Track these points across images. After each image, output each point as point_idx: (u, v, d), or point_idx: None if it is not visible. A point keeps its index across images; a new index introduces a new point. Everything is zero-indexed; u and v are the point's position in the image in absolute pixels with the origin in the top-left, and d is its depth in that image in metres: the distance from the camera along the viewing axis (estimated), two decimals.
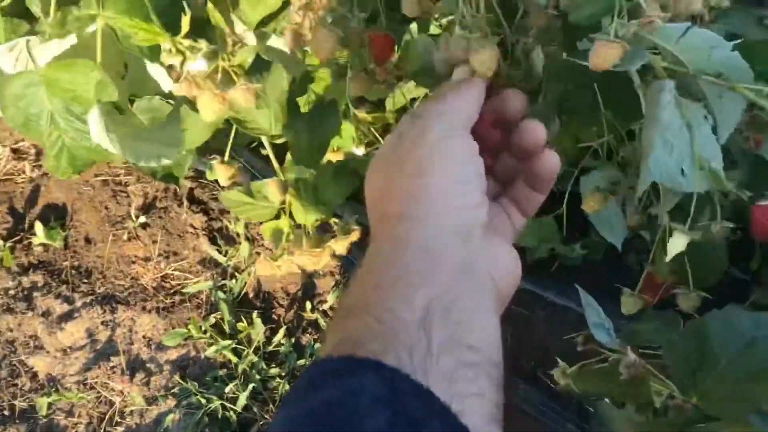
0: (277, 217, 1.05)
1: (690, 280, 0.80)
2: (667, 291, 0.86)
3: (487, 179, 0.47)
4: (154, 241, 1.79)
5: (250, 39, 0.83)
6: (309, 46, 0.72)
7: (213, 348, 1.59)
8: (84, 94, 0.80)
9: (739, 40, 0.56)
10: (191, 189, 1.85)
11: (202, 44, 0.76)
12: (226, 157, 0.97)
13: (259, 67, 0.83)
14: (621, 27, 0.53)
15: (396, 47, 0.75)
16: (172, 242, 1.79)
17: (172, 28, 0.76)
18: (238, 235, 1.75)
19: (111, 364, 1.62)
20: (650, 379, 0.68)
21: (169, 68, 0.84)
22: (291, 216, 1.04)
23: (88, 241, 1.81)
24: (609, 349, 0.74)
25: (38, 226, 1.79)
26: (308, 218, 1.02)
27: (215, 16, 0.80)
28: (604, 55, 0.51)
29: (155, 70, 0.90)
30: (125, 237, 1.80)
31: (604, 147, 0.97)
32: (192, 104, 0.85)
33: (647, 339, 0.84)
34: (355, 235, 1.03)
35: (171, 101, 0.93)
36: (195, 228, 1.79)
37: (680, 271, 0.81)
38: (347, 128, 1.03)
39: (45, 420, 1.54)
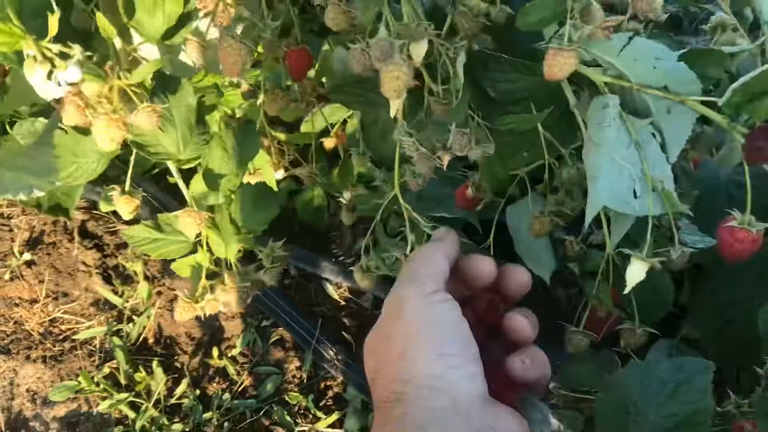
0: (193, 251, 0.93)
1: (636, 314, 0.76)
2: (611, 327, 0.82)
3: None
4: (41, 281, 1.66)
5: (149, 53, 0.71)
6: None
7: (107, 402, 1.46)
8: None
9: (684, 50, 0.54)
10: (83, 222, 1.75)
11: (75, 50, 0.66)
12: (127, 187, 0.84)
13: (162, 86, 0.72)
14: (574, 30, 0.49)
15: (313, 62, 0.68)
16: (61, 282, 1.67)
17: (39, 30, 0.65)
18: (135, 273, 1.65)
19: None
20: None
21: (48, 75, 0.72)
22: (209, 249, 0.91)
23: None
24: None
25: None
26: (229, 251, 0.90)
27: (104, 26, 0.67)
28: (560, 63, 0.48)
29: (31, 76, 0.78)
30: (7, 276, 1.67)
31: (529, 177, 0.91)
32: (83, 129, 0.73)
33: (585, 383, 0.83)
34: (283, 263, 0.92)
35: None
36: (87, 266, 1.68)
37: (625, 305, 0.78)
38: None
39: None
